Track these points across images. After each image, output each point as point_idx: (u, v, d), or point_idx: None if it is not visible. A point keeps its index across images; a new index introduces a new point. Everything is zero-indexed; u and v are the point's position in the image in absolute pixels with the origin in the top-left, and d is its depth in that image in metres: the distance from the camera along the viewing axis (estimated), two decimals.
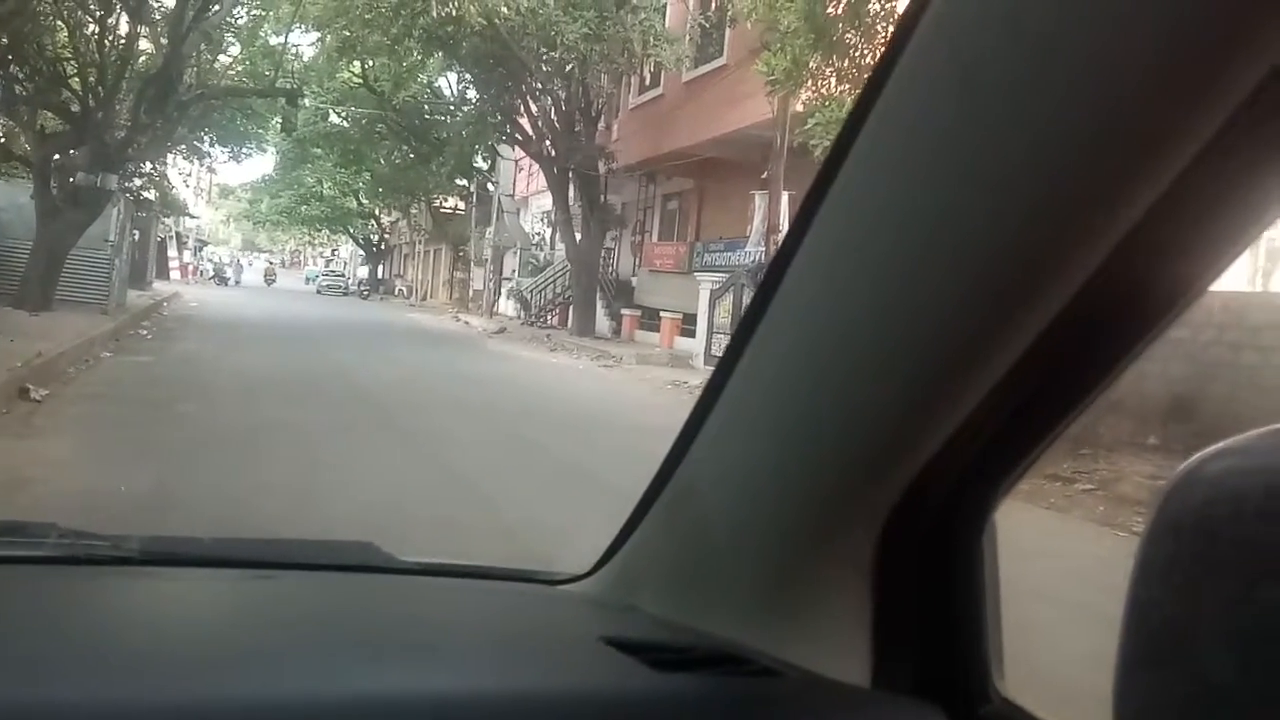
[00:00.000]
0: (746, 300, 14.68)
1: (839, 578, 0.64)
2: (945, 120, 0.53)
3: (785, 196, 13.57)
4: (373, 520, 4.64)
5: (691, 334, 16.49)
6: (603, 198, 21.79)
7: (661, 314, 18.52)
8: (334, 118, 31.21)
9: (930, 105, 0.53)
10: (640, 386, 12.60)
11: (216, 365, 11.22)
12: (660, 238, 22.03)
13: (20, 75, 15.03)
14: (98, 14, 15.10)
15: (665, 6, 18.31)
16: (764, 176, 14.06)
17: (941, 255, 0.54)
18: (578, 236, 21.52)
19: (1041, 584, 3.71)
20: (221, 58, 20.68)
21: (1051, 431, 0.57)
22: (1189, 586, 0.46)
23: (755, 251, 14.29)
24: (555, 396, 11.26)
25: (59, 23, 15.23)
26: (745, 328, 0.69)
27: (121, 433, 6.67)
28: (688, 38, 17.64)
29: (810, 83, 11.33)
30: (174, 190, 31.96)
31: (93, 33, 15.29)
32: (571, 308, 22.38)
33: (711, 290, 15.63)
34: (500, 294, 30.11)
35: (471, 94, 26.33)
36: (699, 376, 12.30)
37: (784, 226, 13.73)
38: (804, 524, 0.65)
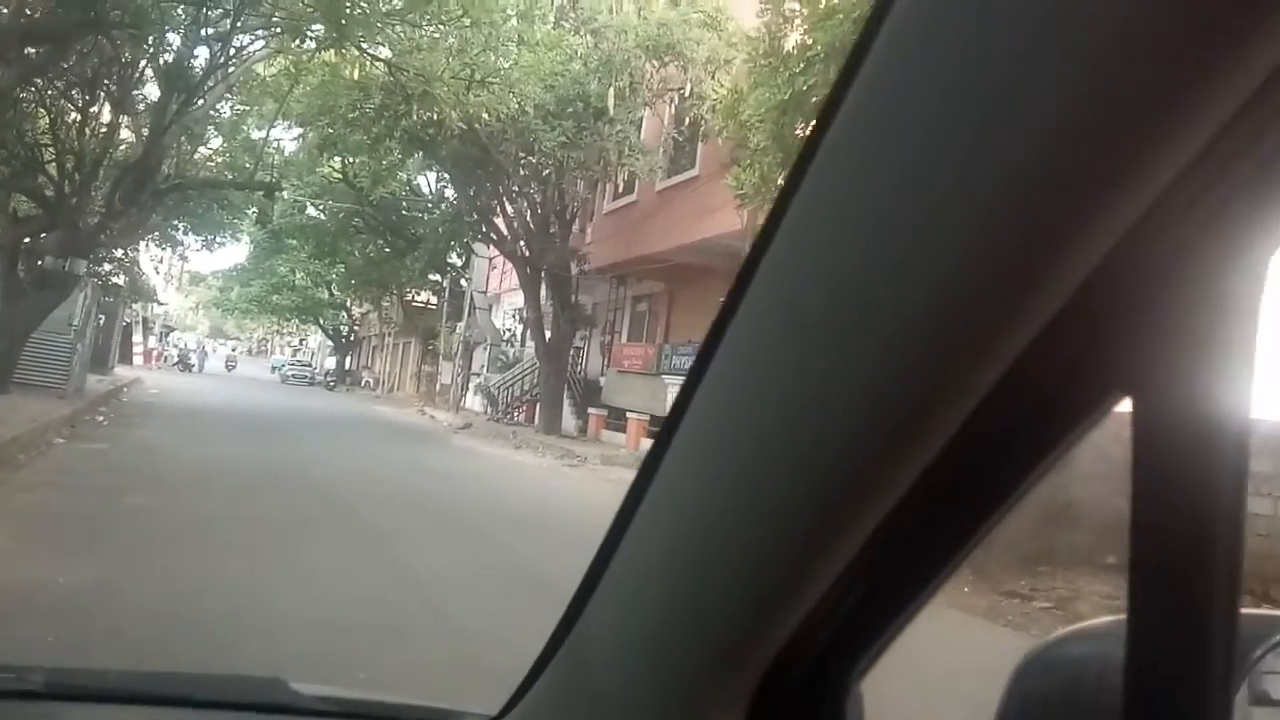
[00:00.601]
0: None
1: None
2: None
3: None
4: (316, 624, 4.53)
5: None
6: (574, 298, 22.05)
7: (628, 414, 18.53)
8: (311, 210, 31.57)
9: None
10: (604, 487, 12.51)
11: (173, 454, 11.02)
12: (630, 338, 22.24)
13: None
14: (81, 103, 15.36)
15: (640, 120, 18.94)
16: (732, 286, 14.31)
17: (835, 370, 0.51)
18: (548, 335, 21.68)
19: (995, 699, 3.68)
20: (202, 149, 21.00)
21: (918, 596, 0.58)
22: None
23: None
24: (518, 495, 11.15)
25: (41, 110, 15.44)
26: (652, 457, 0.68)
27: (68, 523, 6.49)
28: (661, 149, 18.22)
29: None
30: (144, 276, 31.91)
31: (74, 121, 15.50)
32: (539, 405, 22.35)
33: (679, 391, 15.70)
34: (468, 389, 30.03)
35: (449, 193, 26.85)
36: None
37: None
38: (681, 690, 0.66)
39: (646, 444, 17.29)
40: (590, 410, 21.33)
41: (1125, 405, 0.46)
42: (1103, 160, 0.41)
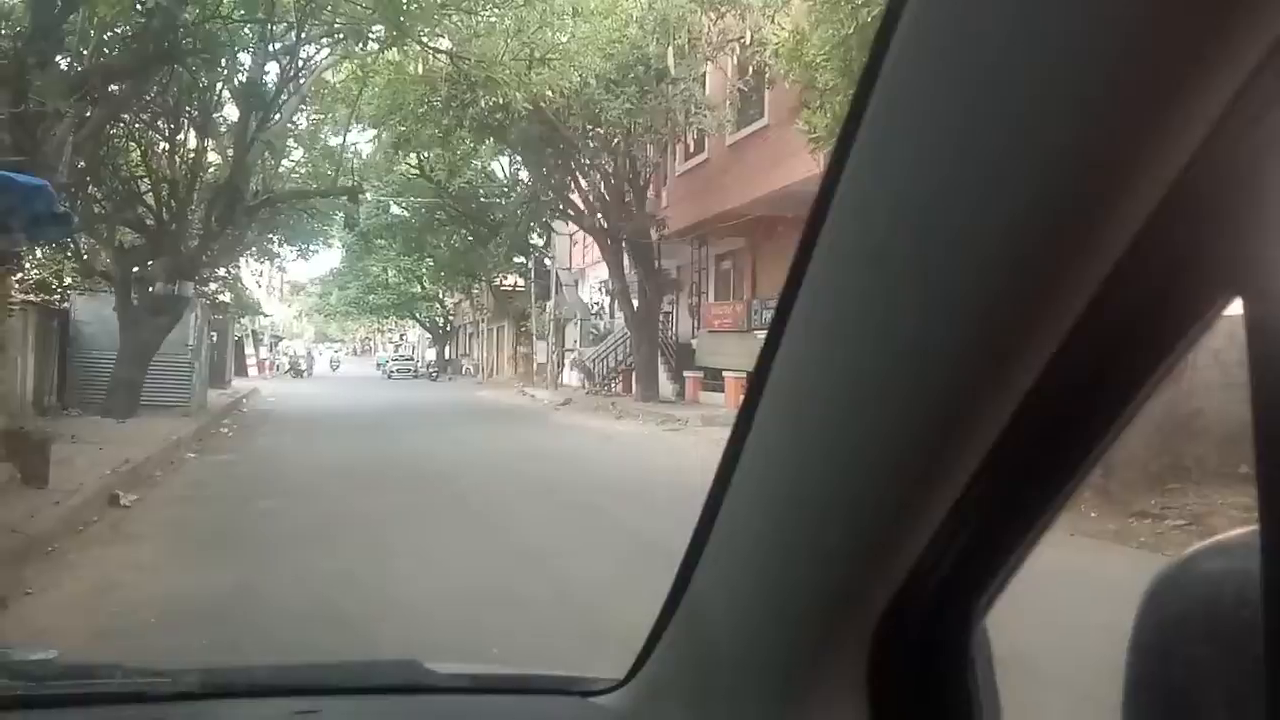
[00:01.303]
0: None
1: (837, 694, 0.65)
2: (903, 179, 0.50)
3: None
4: (445, 607, 4.69)
5: None
6: (657, 264, 22.02)
7: (724, 374, 18.49)
8: (395, 209, 32.34)
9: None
10: (707, 448, 12.50)
11: (294, 459, 11.52)
12: (717, 298, 22.12)
13: (98, 195, 15.95)
14: (167, 132, 16.03)
15: (704, 75, 18.66)
16: None
17: (919, 303, 0.50)
18: (635, 303, 21.73)
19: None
20: (285, 162, 21.67)
21: (1037, 521, 0.56)
22: (1178, 672, 0.47)
23: None
24: (623, 465, 11.28)
25: (131, 144, 16.17)
26: (744, 416, 0.68)
27: (205, 533, 6.88)
28: (728, 103, 17.94)
29: None
30: (248, 291, 33.26)
31: (163, 150, 16.18)
32: (634, 373, 22.49)
33: None
34: (564, 365, 30.43)
35: (523, 175, 27.05)
36: None
37: None
38: (800, 640, 0.66)
39: None
40: (686, 373, 21.36)
41: (1237, 307, 0.44)
42: (1187, 42, 0.38)
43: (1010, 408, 0.50)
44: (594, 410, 20.22)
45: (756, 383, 0.65)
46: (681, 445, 13.60)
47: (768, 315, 16.07)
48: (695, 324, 22.77)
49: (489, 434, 15.55)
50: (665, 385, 21.81)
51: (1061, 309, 0.46)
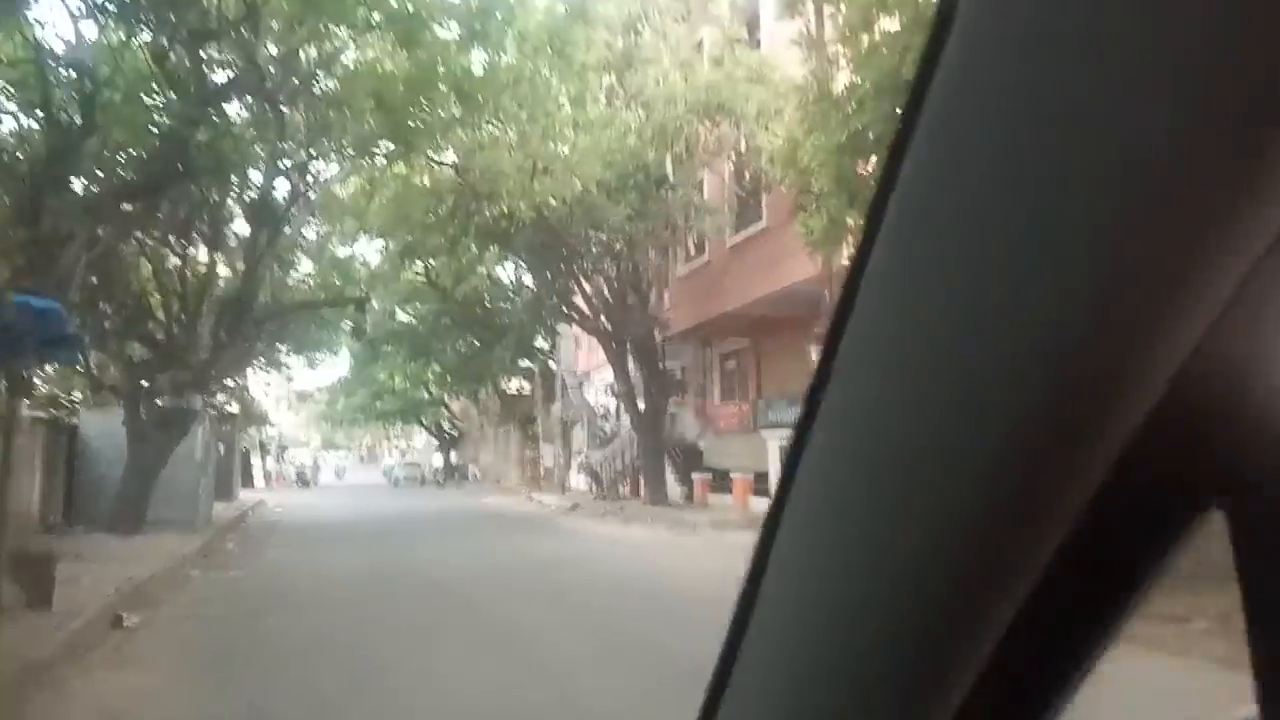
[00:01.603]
0: None
1: None
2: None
3: None
4: None
5: (765, 493, 16.29)
6: (661, 364, 22.15)
7: (732, 475, 18.37)
8: (401, 315, 32.73)
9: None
10: (719, 553, 12.36)
11: (302, 572, 11.37)
12: (722, 398, 22.15)
13: (109, 311, 16.19)
14: (178, 248, 16.38)
15: (702, 181, 19.15)
16: (817, 331, 14.21)
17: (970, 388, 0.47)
18: (641, 405, 21.76)
19: None
20: (293, 273, 22.06)
21: (1086, 660, 0.53)
22: None
23: None
24: (633, 572, 11.10)
25: (143, 259, 16.50)
26: (770, 523, 0.64)
27: (210, 655, 6.73)
28: (726, 206, 18.35)
29: (850, 239, 11.58)
30: (255, 401, 33.40)
31: (174, 266, 16.50)
32: (642, 476, 22.35)
33: (781, 446, 15.55)
34: (571, 469, 30.27)
35: (528, 279, 27.47)
36: None
37: None
38: None
39: (755, 502, 17.07)
40: (694, 475, 21.21)
41: None
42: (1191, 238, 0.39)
43: (1060, 528, 0.47)
44: (602, 516, 20.01)
45: (785, 478, 0.61)
46: (691, 549, 13.41)
47: (773, 415, 15.97)
48: (701, 424, 22.75)
49: (497, 541, 15.37)
50: (673, 487, 21.64)
51: (1112, 417, 0.44)
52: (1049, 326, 0.43)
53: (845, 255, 12.53)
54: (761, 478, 16.67)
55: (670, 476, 21.83)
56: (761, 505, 16.32)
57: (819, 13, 11.80)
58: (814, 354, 14.43)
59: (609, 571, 11.14)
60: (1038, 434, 0.44)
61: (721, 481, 19.55)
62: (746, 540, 0.67)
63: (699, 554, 12.74)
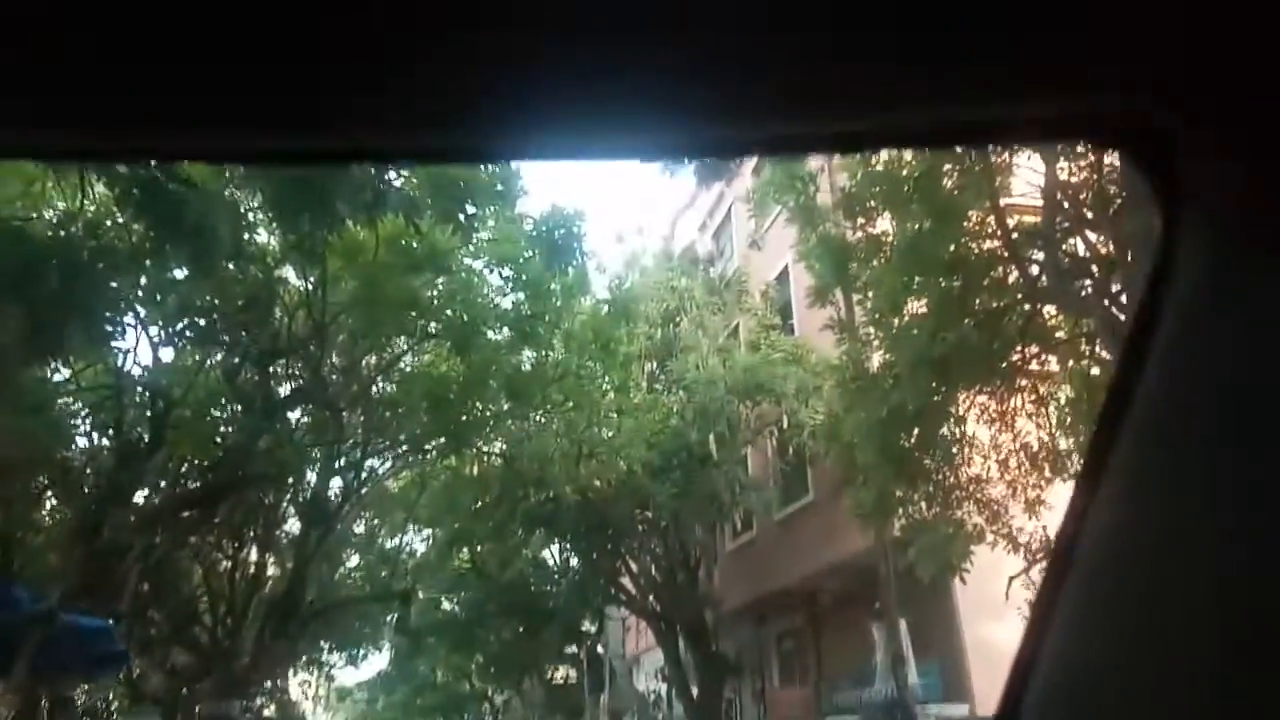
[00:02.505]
0: None
1: None
2: None
3: (903, 625, 13.07)
4: None
5: None
6: (714, 646, 21.21)
7: None
8: (445, 604, 32.12)
9: None
10: None
11: None
12: (781, 681, 20.94)
13: (156, 618, 16.09)
14: (230, 550, 16.53)
15: (745, 457, 19.34)
16: (877, 607, 13.69)
17: None
18: (694, 691, 20.60)
19: None
20: (340, 568, 22.03)
21: None
22: None
23: (885, 687, 13.41)
24: None
25: (195, 564, 16.62)
26: None
27: None
28: (771, 481, 18.37)
29: (901, 510, 11.46)
30: (293, 703, 32.13)
31: (224, 569, 16.58)
32: None
33: None
34: None
35: (574, 561, 27.12)
36: None
37: (909, 656, 13.03)
38: None
39: None
40: None
41: None
42: None
43: None
44: None
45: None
46: None
47: (838, 699, 15.00)
48: (761, 712, 21.36)
49: None
50: None
51: None
52: None
53: (896, 528, 12.33)
54: None
55: None
56: None
57: (848, 300, 12.45)
58: (874, 630, 13.73)
59: None
60: None
61: None
62: None
63: None
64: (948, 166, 9.76)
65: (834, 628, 18.07)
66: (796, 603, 18.77)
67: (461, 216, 9.25)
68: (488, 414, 14.88)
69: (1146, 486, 0.57)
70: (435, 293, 12.46)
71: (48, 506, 13.27)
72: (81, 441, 12.52)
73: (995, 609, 11.25)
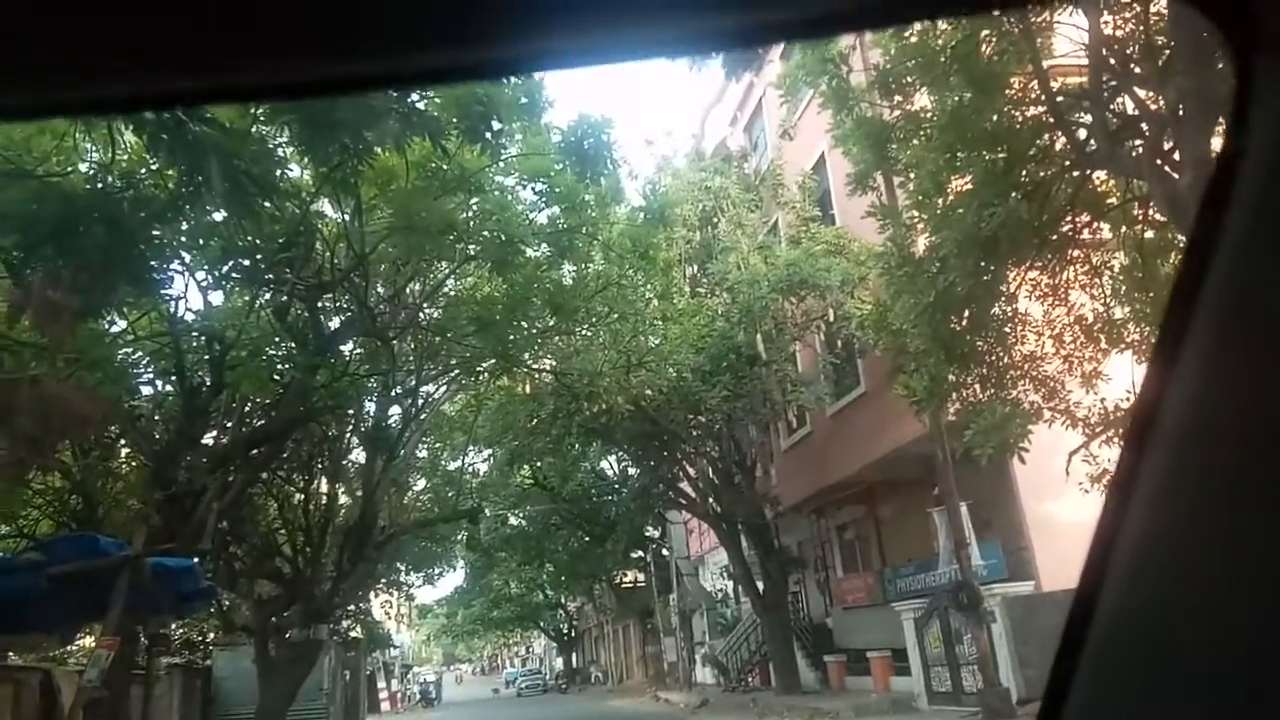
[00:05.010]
0: (952, 625, 13.68)
1: None
2: None
3: (964, 508, 13.12)
4: None
5: (905, 671, 15.28)
6: (776, 542, 21.58)
7: (867, 654, 17.38)
8: (512, 519, 33.05)
9: None
10: None
11: None
12: (845, 571, 21.28)
13: (239, 553, 16.78)
14: (302, 484, 17.07)
15: (794, 354, 19.28)
16: (935, 493, 13.74)
17: None
18: (760, 586, 21.07)
19: None
20: (408, 493, 22.67)
21: None
22: None
23: (949, 570, 13.57)
24: None
25: (269, 499, 17.22)
26: None
27: None
28: (822, 376, 18.32)
29: (955, 394, 11.35)
30: (378, 624, 33.62)
31: (298, 502, 17.15)
32: (771, 665, 21.33)
33: (915, 619, 14.71)
34: (695, 661, 29.16)
35: (632, 470, 27.59)
36: None
37: (970, 540, 13.11)
38: None
39: (896, 682, 16.00)
40: (827, 658, 20.10)
41: None
42: None
43: None
44: (734, 710, 19.03)
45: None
46: None
47: (902, 585, 15.20)
48: (827, 601, 21.80)
49: None
50: (805, 672, 20.53)
51: None
52: None
53: (950, 412, 12.26)
54: (900, 654, 15.67)
55: (801, 661, 20.77)
56: (904, 685, 15.27)
57: (889, 184, 12.13)
58: (935, 516, 13.79)
59: None
60: None
61: (857, 662, 18.48)
62: None
63: None
64: (985, 33, 9.33)
65: (894, 516, 18.23)
66: (855, 494, 18.93)
67: (488, 135, 9.11)
68: (534, 332, 14.96)
69: (1228, 353, 0.55)
70: (470, 214, 12.41)
71: (122, 455, 13.75)
72: (146, 390, 12.90)
73: (1055, 486, 11.21)
